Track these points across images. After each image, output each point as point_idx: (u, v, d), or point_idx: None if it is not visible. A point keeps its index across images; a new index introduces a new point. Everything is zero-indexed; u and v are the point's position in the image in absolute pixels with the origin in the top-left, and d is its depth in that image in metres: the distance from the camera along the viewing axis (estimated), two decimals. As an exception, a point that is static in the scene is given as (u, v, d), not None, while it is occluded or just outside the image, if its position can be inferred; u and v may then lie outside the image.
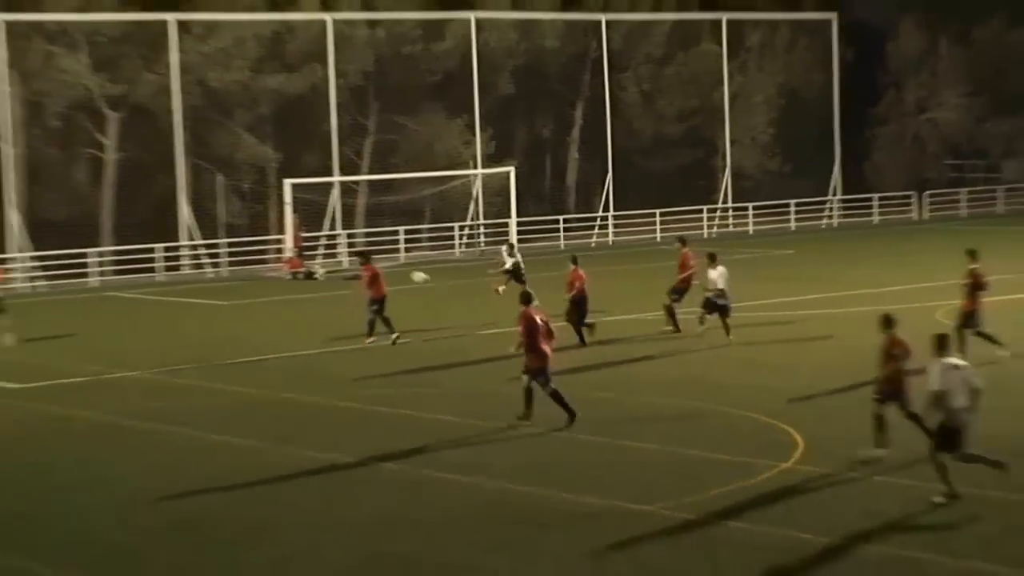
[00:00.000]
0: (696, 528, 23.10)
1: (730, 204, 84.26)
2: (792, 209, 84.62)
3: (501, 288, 49.40)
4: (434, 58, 79.22)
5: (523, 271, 50.72)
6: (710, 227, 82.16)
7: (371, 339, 42.58)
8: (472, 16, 77.35)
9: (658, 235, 78.39)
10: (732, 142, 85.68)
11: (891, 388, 26.90)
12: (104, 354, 43.82)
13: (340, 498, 25.62)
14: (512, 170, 73.38)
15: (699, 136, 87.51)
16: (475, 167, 76.31)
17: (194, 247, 68.74)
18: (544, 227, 77.01)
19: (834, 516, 23.41)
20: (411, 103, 79.03)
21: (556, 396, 30.43)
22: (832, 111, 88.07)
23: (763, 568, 21.00)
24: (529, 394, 30.46)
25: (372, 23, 77.75)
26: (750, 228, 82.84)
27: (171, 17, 69.95)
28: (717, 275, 41.80)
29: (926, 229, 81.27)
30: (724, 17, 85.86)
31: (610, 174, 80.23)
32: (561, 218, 78.75)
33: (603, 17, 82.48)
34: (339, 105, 73.15)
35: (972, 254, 38.23)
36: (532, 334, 30.17)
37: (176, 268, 67.56)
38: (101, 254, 67.86)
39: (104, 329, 51.18)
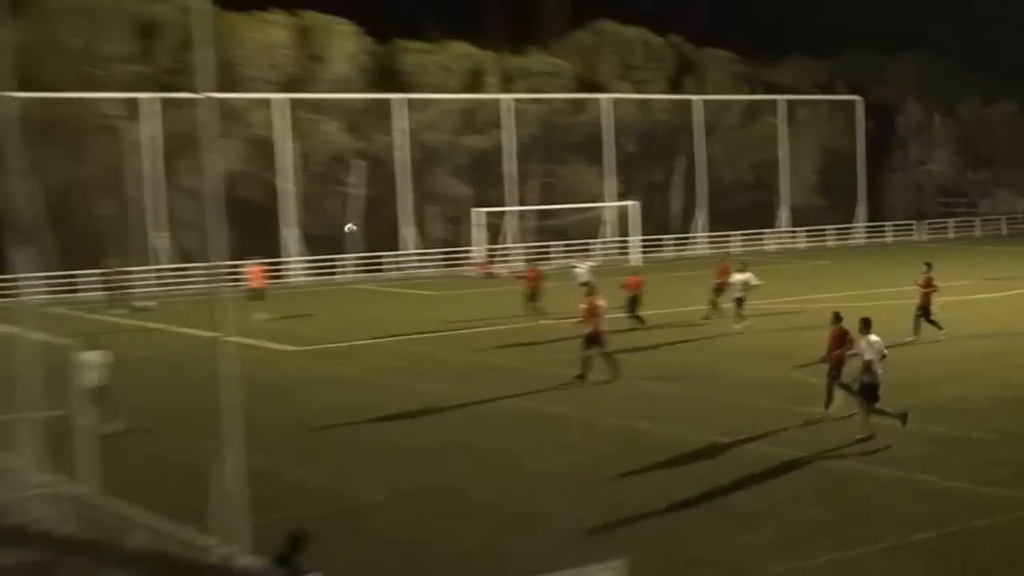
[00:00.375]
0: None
1: (784, 228, 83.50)
2: (828, 232, 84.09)
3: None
4: (579, 125, 79.01)
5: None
6: (769, 244, 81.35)
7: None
8: (605, 97, 77.25)
9: (736, 248, 77.60)
10: (788, 185, 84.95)
11: (836, 366, 26.50)
12: (351, 327, 43.77)
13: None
14: (634, 203, 72.80)
15: (763, 181, 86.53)
16: (607, 201, 76.11)
17: (415, 255, 69.13)
18: (656, 242, 76.44)
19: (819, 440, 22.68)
20: (563, 156, 78.94)
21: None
22: (857, 163, 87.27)
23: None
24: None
25: (537, 101, 77.55)
26: (800, 244, 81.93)
27: (398, 96, 70.20)
28: (742, 279, 41.06)
29: (924, 248, 79.60)
30: (781, 98, 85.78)
31: (701, 206, 79.88)
32: (668, 237, 78.23)
33: (696, 98, 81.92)
34: (513, 157, 73.13)
35: (928, 265, 37.56)
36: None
37: (400, 268, 67.89)
38: (346, 259, 67.88)
39: (350, 310, 51.32)
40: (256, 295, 49.60)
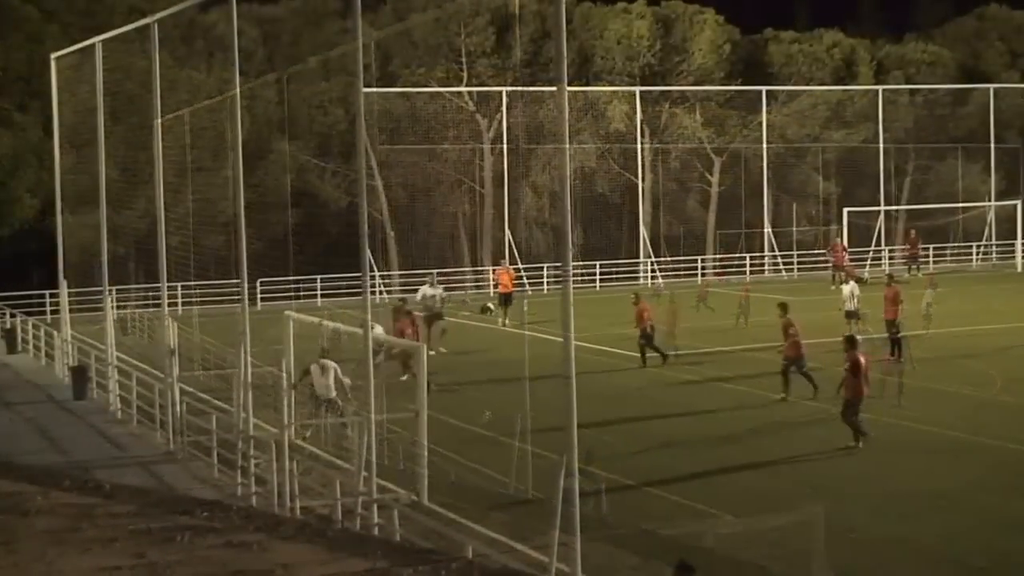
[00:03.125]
0: None
1: None
2: None
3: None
4: (959, 118, 76.71)
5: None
6: None
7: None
8: (991, 87, 74.52)
9: None
10: None
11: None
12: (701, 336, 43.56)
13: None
14: (1019, 203, 70.04)
15: None
16: (989, 200, 73.50)
17: (774, 256, 68.19)
18: (1044, 247, 73.32)
19: None
20: (940, 152, 76.81)
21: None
22: None
23: None
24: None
25: (912, 92, 75.71)
26: None
27: (763, 88, 69.69)
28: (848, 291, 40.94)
29: None
30: None
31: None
32: (1061, 240, 74.57)
33: (1095, 86, 78.03)
34: (885, 153, 71.50)
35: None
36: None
37: (760, 271, 67.13)
38: (704, 260, 67.81)
39: (705, 315, 50.53)
40: (505, 300, 48.88)
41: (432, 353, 35.43)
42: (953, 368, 35.94)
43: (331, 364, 26.36)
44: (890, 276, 43.41)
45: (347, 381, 26.18)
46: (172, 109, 46.73)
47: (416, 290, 42.95)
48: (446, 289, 47.22)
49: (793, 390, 31.01)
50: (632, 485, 23.78)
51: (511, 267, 54.25)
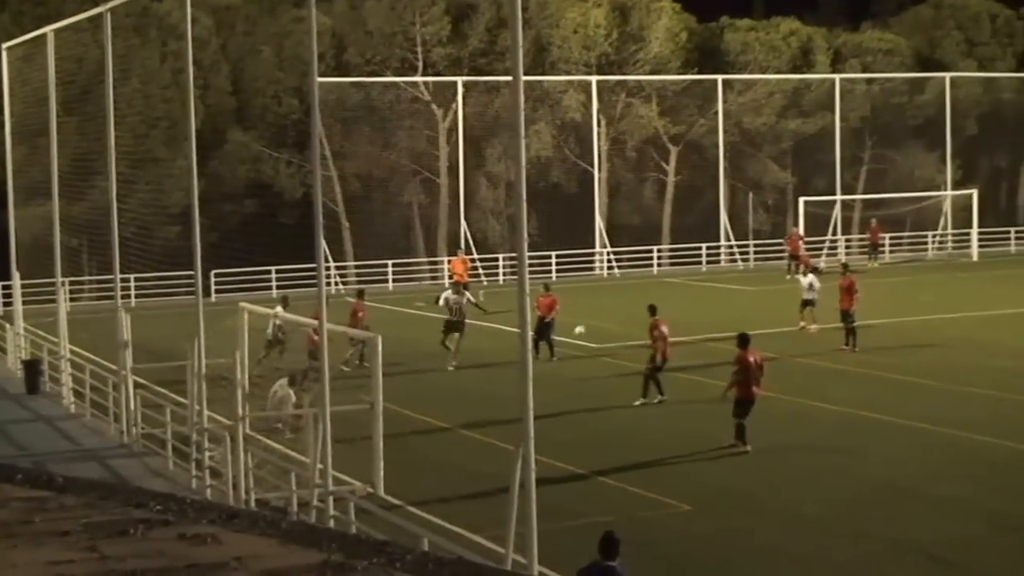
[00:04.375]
0: None
1: None
2: None
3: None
4: (916, 107, 77.15)
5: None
6: None
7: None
8: (947, 76, 74.92)
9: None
10: None
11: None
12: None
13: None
14: (975, 192, 70.29)
15: None
16: (945, 189, 73.86)
17: (729, 246, 68.37)
18: (998, 236, 73.68)
19: None
20: (897, 141, 77.23)
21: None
22: None
23: None
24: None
25: (869, 81, 76.10)
26: None
27: (719, 77, 69.85)
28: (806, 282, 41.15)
29: None
30: None
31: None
32: (1013, 230, 74.92)
33: (1053, 75, 78.63)
34: (842, 142, 71.79)
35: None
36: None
37: (716, 261, 67.25)
38: (660, 250, 67.95)
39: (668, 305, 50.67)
40: (458, 290, 48.67)
41: (450, 369, 35.32)
42: (899, 357, 36.23)
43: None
44: (845, 266, 43.66)
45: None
46: (126, 99, 46.54)
47: (371, 281, 42.88)
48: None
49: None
50: (586, 475, 23.89)
51: (466, 257, 54.21)
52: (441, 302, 38.14)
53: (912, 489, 22.69)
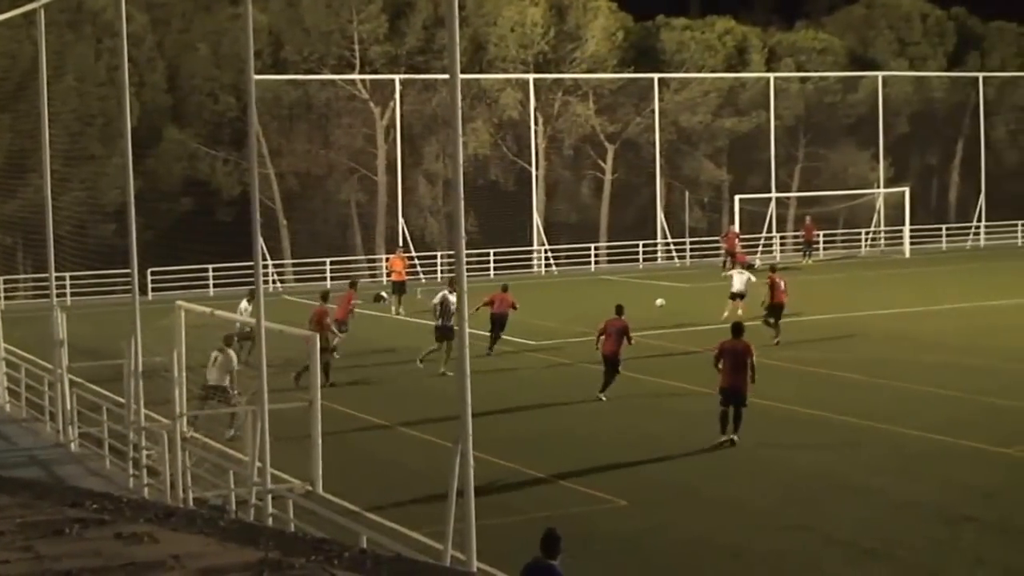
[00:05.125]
0: None
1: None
2: None
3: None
4: (849, 105, 77.83)
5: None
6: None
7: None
8: (879, 75, 75.65)
9: (1020, 239, 75.17)
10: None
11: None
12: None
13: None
14: (907, 190, 70.92)
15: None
16: (878, 187, 74.50)
17: (666, 244, 68.63)
18: (929, 233, 74.43)
19: None
20: (831, 139, 77.82)
21: None
22: None
23: None
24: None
25: (803, 79, 76.65)
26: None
27: (655, 76, 70.11)
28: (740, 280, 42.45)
29: None
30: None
31: (983, 193, 77.17)
32: (944, 227, 75.76)
33: (979, 75, 79.24)
34: (776, 140, 72.30)
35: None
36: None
37: (652, 259, 67.49)
38: (597, 248, 68.14)
39: (598, 303, 50.73)
40: (398, 288, 48.71)
41: (450, 374, 33.83)
42: (832, 353, 36.51)
43: (230, 352, 26.31)
44: (772, 267, 43.84)
45: (236, 367, 26.21)
46: (61, 96, 46.11)
47: (310, 279, 42.61)
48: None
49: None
50: (525, 471, 23.92)
51: (404, 255, 54.14)
52: (437, 300, 35.37)
53: (845, 482, 22.88)
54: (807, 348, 37.03)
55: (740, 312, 40.68)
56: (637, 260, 66.10)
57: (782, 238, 71.20)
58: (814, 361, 34.83)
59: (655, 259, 67.47)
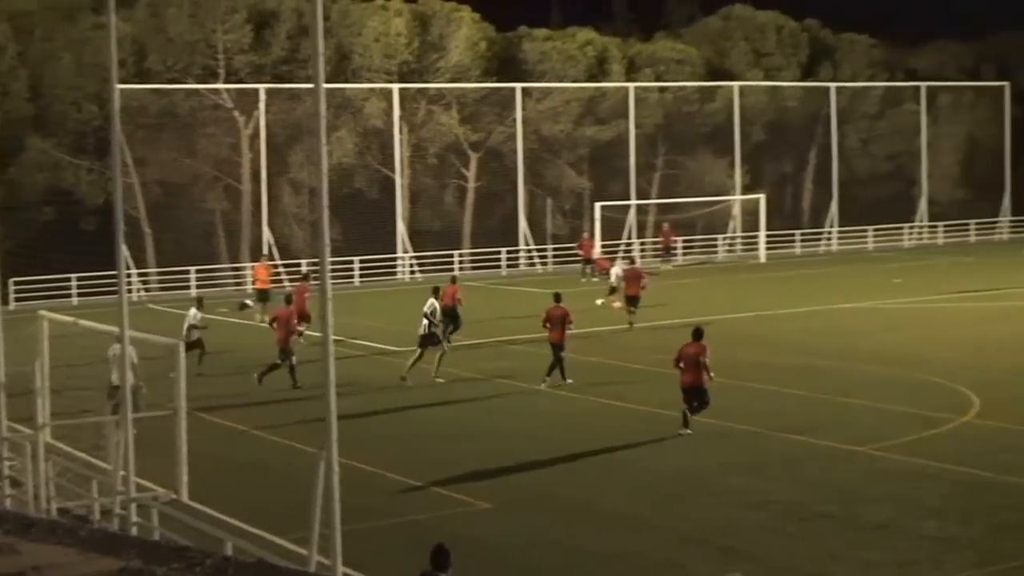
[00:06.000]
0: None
1: (924, 222, 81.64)
2: (972, 226, 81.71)
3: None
4: (707, 115, 78.51)
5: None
6: (908, 239, 79.71)
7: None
8: (735, 85, 76.77)
9: (870, 244, 76.72)
10: (928, 176, 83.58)
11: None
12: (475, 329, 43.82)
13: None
14: (762, 197, 71.92)
15: (902, 172, 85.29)
16: (735, 194, 75.53)
17: (528, 250, 68.93)
18: (784, 238, 75.68)
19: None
20: (689, 147, 78.47)
21: None
22: (1004, 153, 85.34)
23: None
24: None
25: (662, 89, 77.24)
26: (939, 240, 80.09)
27: (517, 85, 70.41)
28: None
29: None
30: (923, 85, 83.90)
31: (835, 199, 78.66)
32: (798, 232, 77.15)
33: (832, 85, 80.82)
34: (636, 148, 72.94)
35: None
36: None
37: (515, 265, 67.75)
38: (461, 255, 68.20)
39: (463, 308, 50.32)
40: (263, 297, 48.54)
41: (441, 380, 33.47)
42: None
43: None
44: (631, 260, 46.72)
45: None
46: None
47: (174, 287, 42.09)
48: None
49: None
50: (391, 475, 23.91)
51: (269, 263, 53.76)
52: (427, 308, 34.65)
53: (704, 482, 23.20)
54: (663, 351, 37.40)
55: (616, 303, 44.77)
56: (500, 266, 66.39)
57: (641, 244, 71.89)
58: (670, 363, 35.22)
59: (517, 265, 67.84)
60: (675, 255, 68.90)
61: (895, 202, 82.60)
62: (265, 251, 58.38)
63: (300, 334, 36.44)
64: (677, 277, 60.80)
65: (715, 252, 73.16)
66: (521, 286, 59.41)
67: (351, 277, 61.43)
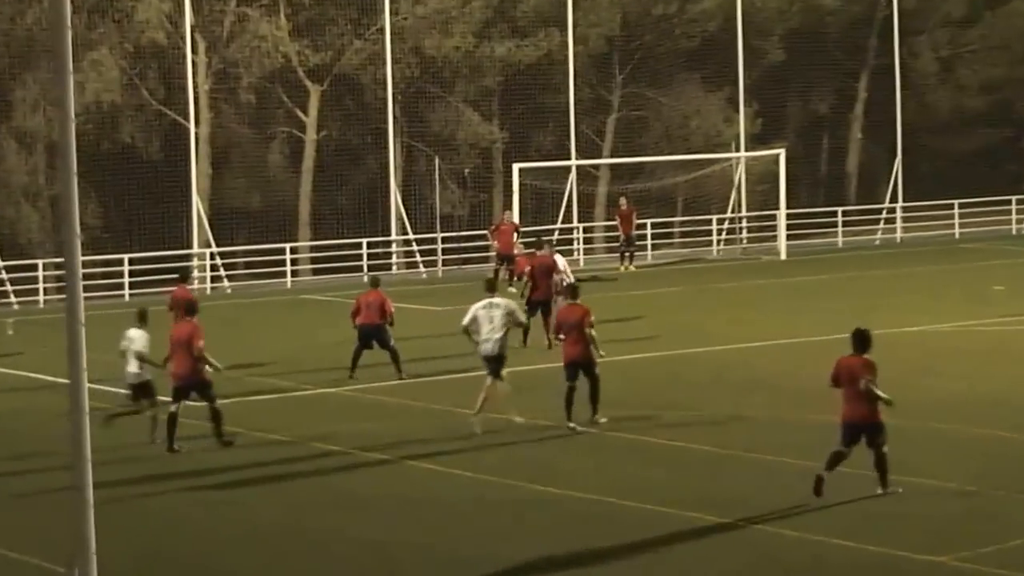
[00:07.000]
0: None
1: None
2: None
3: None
4: (691, 19, 78.55)
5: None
6: (1019, 221, 79.83)
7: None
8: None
9: (957, 231, 77.17)
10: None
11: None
12: (293, 363, 44.37)
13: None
14: (782, 153, 72.17)
15: (1008, 112, 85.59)
16: (737, 149, 75.50)
17: (406, 243, 68.85)
18: (819, 221, 76.07)
19: None
20: (663, 73, 78.27)
21: None
22: None
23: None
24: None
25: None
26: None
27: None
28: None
29: None
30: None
31: (899, 158, 78.45)
32: (840, 210, 77.39)
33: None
34: (577, 76, 72.91)
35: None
36: None
37: (386, 267, 67.22)
38: (296, 253, 68.53)
39: (295, 337, 50.69)
40: None
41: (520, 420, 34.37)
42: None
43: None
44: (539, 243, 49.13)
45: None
46: None
47: None
48: None
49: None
50: None
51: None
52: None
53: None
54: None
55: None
56: (360, 270, 65.21)
57: (587, 231, 71.83)
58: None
59: (389, 268, 67.58)
60: (638, 248, 68.23)
61: (997, 160, 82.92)
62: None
63: None
64: (643, 284, 61.02)
65: (706, 244, 73.42)
66: (396, 300, 59.30)
67: (120, 288, 61.13)
